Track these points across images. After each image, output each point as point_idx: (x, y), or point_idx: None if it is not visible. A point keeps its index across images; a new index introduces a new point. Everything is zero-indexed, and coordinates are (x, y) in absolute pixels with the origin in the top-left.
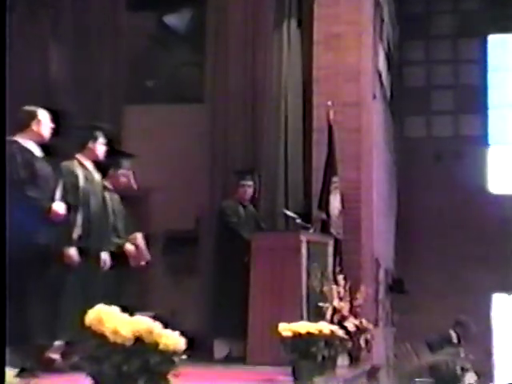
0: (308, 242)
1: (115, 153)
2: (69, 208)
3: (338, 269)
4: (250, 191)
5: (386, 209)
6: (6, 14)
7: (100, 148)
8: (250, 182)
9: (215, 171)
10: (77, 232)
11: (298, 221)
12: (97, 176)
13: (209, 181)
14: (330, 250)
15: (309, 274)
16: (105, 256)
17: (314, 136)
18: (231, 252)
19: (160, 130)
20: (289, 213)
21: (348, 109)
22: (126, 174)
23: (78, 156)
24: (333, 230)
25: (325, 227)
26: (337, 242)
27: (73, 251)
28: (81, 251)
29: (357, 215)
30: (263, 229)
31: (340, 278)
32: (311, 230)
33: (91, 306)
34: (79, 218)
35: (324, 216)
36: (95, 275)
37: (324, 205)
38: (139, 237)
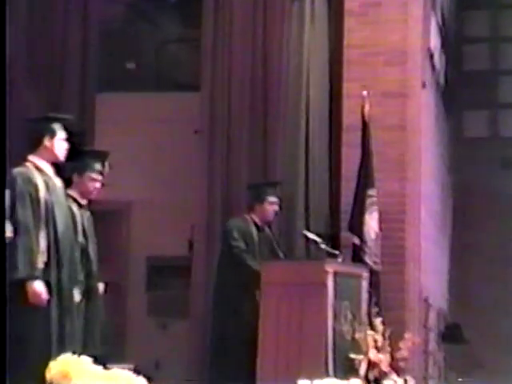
0: (335, 274)
1: (82, 152)
2: (24, 229)
3: (374, 310)
4: (275, 210)
5: (437, 231)
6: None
7: (59, 145)
8: (276, 199)
9: (215, 181)
10: (41, 259)
11: (323, 246)
12: (59, 183)
13: (206, 193)
14: (365, 284)
15: (336, 316)
16: (77, 293)
17: (343, 136)
18: (235, 286)
19: (143, 125)
20: (310, 235)
21: (389, 100)
22: (96, 179)
23: (32, 158)
24: (368, 259)
25: (357, 255)
26: (373, 274)
27: (39, 285)
28: (48, 285)
29: (400, 239)
30: (280, 257)
31: (378, 321)
32: (340, 259)
33: (57, 356)
34: (43, 241)
35: (357, 240)
36: (69, 317)
37: (357, 226)
38: (101, 288)
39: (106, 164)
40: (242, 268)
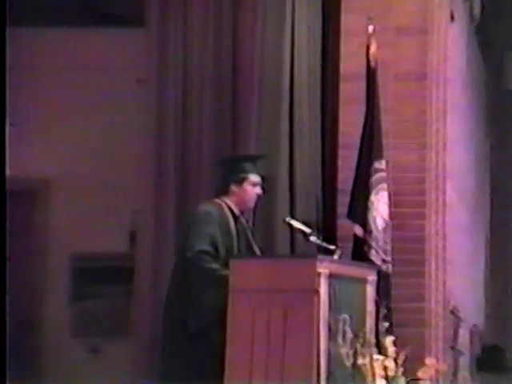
0: (330, 277)
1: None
2: None
3: (384, 325)
4: (257, 193)
5: (469, 218)
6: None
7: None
8: (259, 179)
9: (166, 151)
10: None
11: (313, 238)
12: None
13: (154, 168)
14: (371, 291)
15: (332, 334)
16: None
17: (341, 89)
18: (194, 293)
19: (68, 75)
20: (296, 224)
21: (405, 38)
22: None
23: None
24: (374, 256)
25: (361, 251)
26: (382, 276)
27: None
28: None
29: (418, 229)
30: (255, 254)
31: (388, 341)
32: (336, 256)
33: None
34: None
35: (359, 231)
36: None
37: (359, 211)
38: None
39: None
40: (203, 274)
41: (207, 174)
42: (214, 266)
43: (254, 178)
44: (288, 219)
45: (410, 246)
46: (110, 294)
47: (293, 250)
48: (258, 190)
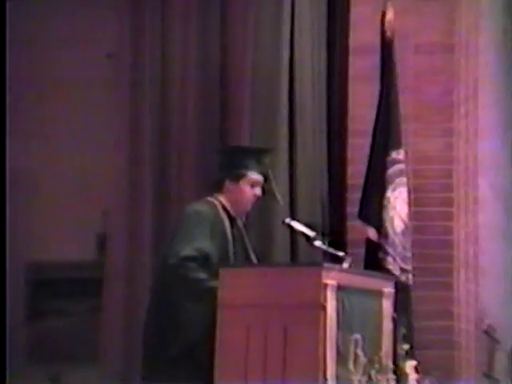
0: (339, 289)
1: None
2: None
3: (403, 347)
4: (256, 194)
5: (506, 221)
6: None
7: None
8: (260, 177)
9: (142, 139)
10: None
11: (318, 243)
12: None
13: (128, 160)
14: (388, 306)
15: (341, 358)
16: None
17: (350, 65)
18: (176, 308)
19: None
20: (298, 226)
21: (428, 3)
22: None
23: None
24: (392, 265)
25: (375, 258)
26: (401, 289)
27: None
28: None
29: (445, 232)
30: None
31: (408, 366)
32: (346, 263)
33: None
34: None
35: (373, 234)
36: None
37: (373, 210)
38: None
39: None
40: (187, 285)
41: (192, 167)
42: (202, 275)
43: (254, 176)
44: (288, 220)
45: (435, 253)
46: (75, 310)
47: (294, 258)
48: (258, 190)
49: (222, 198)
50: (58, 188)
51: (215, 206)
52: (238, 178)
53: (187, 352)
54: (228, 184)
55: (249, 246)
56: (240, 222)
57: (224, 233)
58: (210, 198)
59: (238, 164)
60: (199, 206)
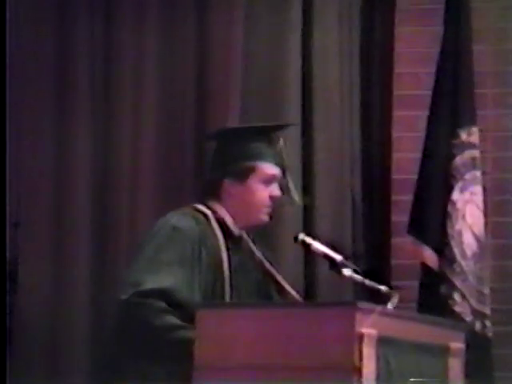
0: (382, 342)
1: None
2: None
3: None
4: (275, 196)
5: None
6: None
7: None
8: (278, 170)
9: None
10: None
11: (347, 271)
12: None
13: None
14: (456, 367)
15: None
16: None
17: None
18: (125, 367)
19: None
20: (317, 245)
21: None
22: None
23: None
24: (460, 306)
25: (435, 294)
26: (477, 342)
27: None
28: None
29: None
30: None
31: None
32: (392, 303)
33: None
34: None
35: (432, 257)
36: None
37: (432, 222)
38: None
39: None
40: (143, 334)
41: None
42: (172, 320)
43: (268, 168)
44: (302, 236)
45: None
46: None
47: (310, 293)
48: (276, 189)
49: (219, 207)
50: None
51: (205, 219)
52: (244, 173)
53: None
54: (228, 185)
55: (274, 272)
56: (249, 241)
57: (214, 257)
58: (199, 206)
59: (243, 152)
60: (179, 221)
